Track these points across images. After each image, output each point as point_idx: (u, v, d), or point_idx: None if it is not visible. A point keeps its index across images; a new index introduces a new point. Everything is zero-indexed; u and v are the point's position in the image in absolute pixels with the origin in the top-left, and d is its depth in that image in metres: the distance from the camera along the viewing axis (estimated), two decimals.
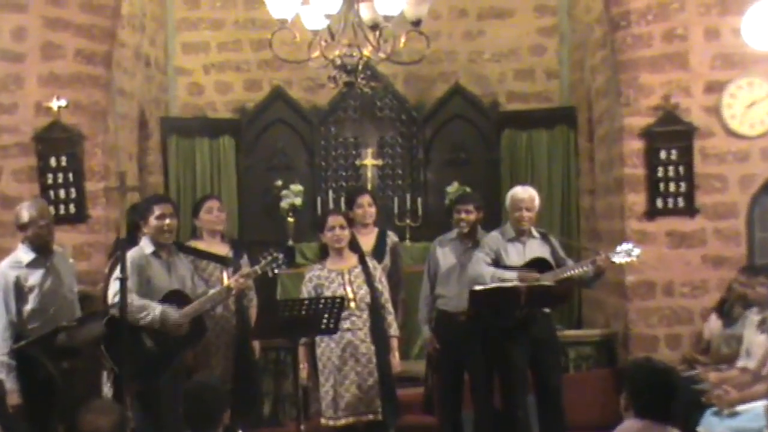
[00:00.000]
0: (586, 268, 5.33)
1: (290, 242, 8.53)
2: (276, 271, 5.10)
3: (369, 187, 8.75)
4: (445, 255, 5.74)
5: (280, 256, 5.09)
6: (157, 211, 4.86)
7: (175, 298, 4.87)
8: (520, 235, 5.50)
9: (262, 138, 9.04)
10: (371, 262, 5.30)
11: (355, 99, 8.95)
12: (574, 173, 8.58)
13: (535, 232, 5.55)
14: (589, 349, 6.79)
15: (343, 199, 8.49)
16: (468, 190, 8.52)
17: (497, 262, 5.47)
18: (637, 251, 5.36)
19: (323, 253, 5.30)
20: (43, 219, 4.92)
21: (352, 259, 5.24)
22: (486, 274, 5.38)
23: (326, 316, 4.76)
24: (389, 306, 5.27)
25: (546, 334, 5.48)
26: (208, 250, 5.33)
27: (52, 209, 5.42)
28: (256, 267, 5.07)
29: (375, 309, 5.15)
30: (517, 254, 5.46)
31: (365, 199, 5.84)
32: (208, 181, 8.82)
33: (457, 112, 9.03)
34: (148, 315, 4.68)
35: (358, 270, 5.18)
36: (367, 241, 5.75)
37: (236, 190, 8.90)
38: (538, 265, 5.37)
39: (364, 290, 5.12)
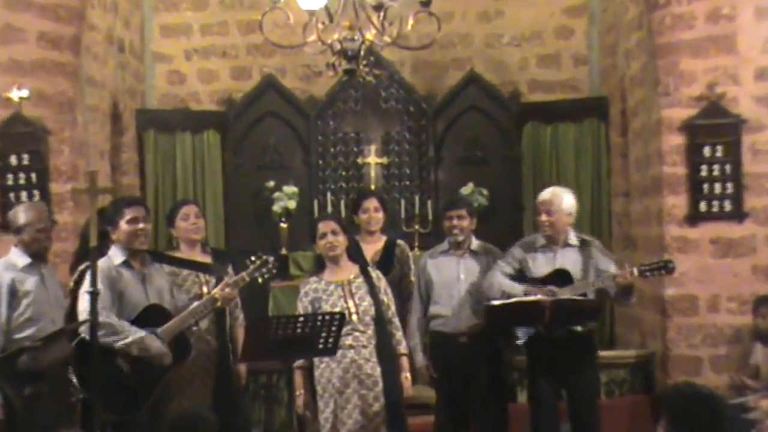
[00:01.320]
0: (607, 284, 5.25)
1: (283, 251, 8.53)
2: (266, 276, 5.06)
3: (372, 188, 8.75)
4: (437, 269, 5.67)
5: (270, 259, 5.05)
6: (128, 214, 4.83)
7: (154, 314, 4.83)
8: (552, 242, 5.46)
9: (251, 133, 9.06)
10: (374, 272, 5.29)
11: (357, 89, 8.95)
12: (606, 172, 8.58)
13: (573, 240, 5.45)
14: (623, 373, 6.79)
15: (343, 203, 8.64)
16: (484, 192, 8.60)
17: (521, 274, 5.44)
18: (672, 265, 5.28)
19: (319, 265, 5.30)
20: (40, 223, 5.07)
21: (353, 269, 5.21)
22: (494, 285, 5.37)
23: (324, 334, 4.73)
24: (397, 321, 5.25)
25: (580, 357, 5.37)
26: (191, 259, 5.30)
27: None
28: (243, 273, 5.04)
29: (381, 324, 5.13)
30: (546, 265, 5.40)
31: (372, 203, 5.83)
32: (190, 182, 8.83)
33: (472, 104, 9.04)
34: (127, 338, 4.63)
35: (360, 281, 5.17)
36: (373, 250, 5.75)
37: (222, 192, 8.91)
38: (560, 277, 5.32)
39: (367, 302, 5.10)
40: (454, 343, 5.53)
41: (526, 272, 5.43)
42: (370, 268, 5.30)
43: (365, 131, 9.12)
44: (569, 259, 5.39)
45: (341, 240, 5.14)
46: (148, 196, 8.48)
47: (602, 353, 6.94)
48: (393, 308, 5.25)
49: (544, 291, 5.22)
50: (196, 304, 4.95)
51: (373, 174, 8.93)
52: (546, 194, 5.46)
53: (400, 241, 5.96)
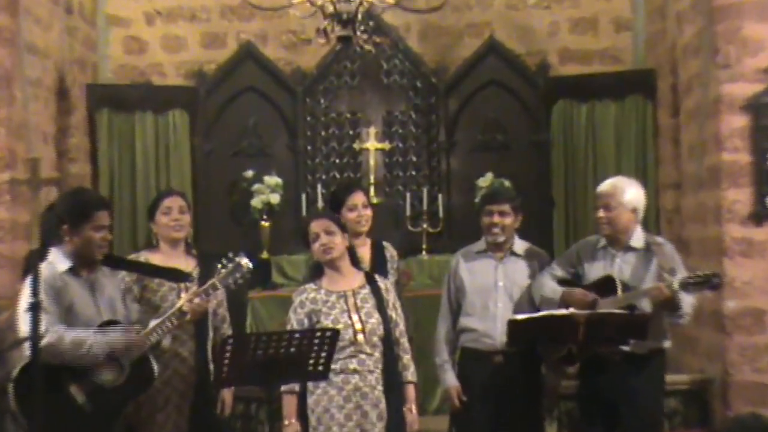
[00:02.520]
0: (639, 299, 5.20)
1: (264, 254, 8.54)
2: (239, 282, 5.05)
3: (371, 179, 8.87)
4: (471, 273, 5.69)
5: (244, 261, 5.03)
6: (96, 219, 4.85)
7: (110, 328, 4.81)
8: (612, 244, 5.42)
9: (226, 113, 9.07)
10: (383, 283, 5.26)
11: (353, 60, 8.95)
12: (652, 160, 8.57)
13: (637, 241, 5.40)
14: (674, 402, 6.75)
15: (320, 199, 8.60)
16: (506, 183, 8.57)
17: (576, 279, 5.44)
18: (717, 280, 5.12)
19: (316, 271, 5.25)
20: None
21: (357, 277, 5.20)
22: (538, 289, 5.40)
23: (314, 354, 4.70)
24: (405, 342, 5.24)
25: (637, 385, 5.30)
26: (163, 265, 5.28)
27: None
28: (214, 280, 5.03)
29: (388, 345, 5.13)
30: (603, 270, 5.38)
31: (359, 198, 5.73)
32: (152, 171, 8.83)
33: (492, 78, 9.04)
34: (91, 348, 4.62)
35: (366, 292, 5.15)
36: (361, 255, 5.64)
37: (191, 184, 8.88)
38: (607, 286, 5.29)
39: (375, 319, 5.08)
40: (488, 362, 5.52)
41: (582, 278, 5.44)
42: (377, 277, 5.28)
43: (363, 111, 9.14)
44: (629, 265, 5.37)
45: (338, 241, 5.12)
46: (101, 188, 8.49)
47: None
48: (402, 326, 5.24)
49: (582, 301, 5.22)
50: (154, 321, 4.93)
51: (372, 162, 8.94)
52: (605, 186, 5.43)
53: (386, 243, 5.90)
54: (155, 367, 4.90)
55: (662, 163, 8.42)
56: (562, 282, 5.43)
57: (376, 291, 5.17)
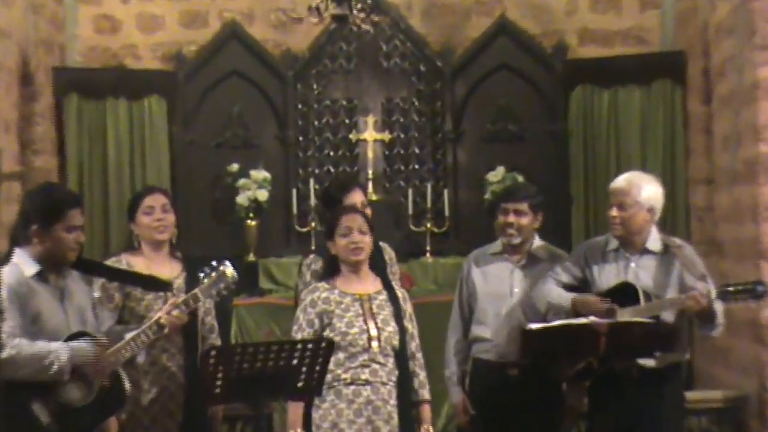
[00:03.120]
0: (666, 310, 5.19)
1: (251, 257, 8.56)
2: (224, 292, 5.06)
3: (370, 174, 8.89)
4: (485, 277, 5.72)
5: (229, 270, 5.03)
6: (70, 219, 4.80)
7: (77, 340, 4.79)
8: (626, 246, 5.40)
9: (208, 100, 9.07)
10: (399, 290, 5.33)
11: (350, 41, 8.96)
12: (682, 152, 8.58)
13: (654, 244, 5.38)
14: (706, 421, 6.81)
15: (313, 195, 8.60)
16: (519, 178, 8.56)
17: (583, 285, 5.42)
18: (762, 288, 5.08)
19: (331, 269, 5.28)
20: None
21: (375, 281, 5.27)
22: (542, 296, 5.39)
23: (305, 369, 4.68)
24: (421, 357, 5.29)
25: (656, 405, 5.30)
26: (143, 272, 5.26)
27: None
28: (196, 290, 5.04)
29: (403, 358, 5.18)
30: (616, 276, 5.37)
31: (358, 196, 5.79)
32: (126, 164, 8.81)
33: (504, 61, 9.07)
34: (53, 363, 4.58)
35: (383, 298, 5.20)
36: None
37: (169, 178, 8.88)
38: (625, 294, 5.25)
39: (391, 328, 5.13)
40: (502, 375, 5.55)
41: (591, 284, 5.43)
42: (394, 285, 5.34)
43: (360, 98, 9.16)
44: (647, 271, 5.35)
45: (368, 241, 5.18)
46: (69, 183, 8.45)
47: None
48: (418, 340, 5.29)
49: (598, 310, 5.18)
50: (130, 334, 4.93)
51: (370, 154, 8.96)
52: (619, 182, 5.41)
53: (383, 244, 5.93)
54: (127, 385, 4.89)
55: (692, 156, 8.42)
56: (568, 289, 5.42)
57: (393, 299, 5.23)
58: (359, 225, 5.17)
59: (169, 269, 5.38)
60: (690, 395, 6.91)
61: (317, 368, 4.72)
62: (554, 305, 5.35)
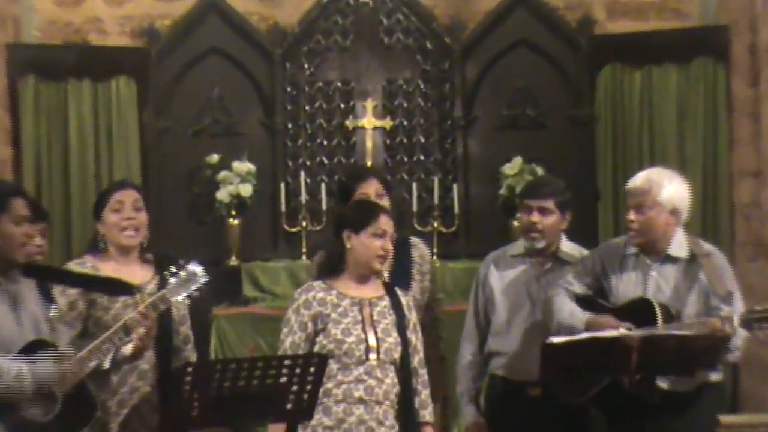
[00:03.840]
0: (688, 332, 5.11)
1: (233, 260, 8.61)
2: (195, 294, 5.05)
3: (369, 164, 8.86)
4: (504, 283, 5.75)
5: (198, 270, 5.02)
6: (13, 209, 4.79)
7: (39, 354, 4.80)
8: (647, 253, 5.37)
9: (184, 81, 9.09)
10: (404, 297, 5.32)
11: (346, 14, 8.98)
12: (725, 142, 8.56)
13: (678, 250, 5.35)
14: None
15: (324, 188, 8.75)
16: (539, 171, 8.58)
17: (598, 295, 5.40)
18: None
19: (332, 267, 5.27)
20: None
21: (377, 286, 5.28)
22: (558, 313, 5.36)
23: (295, 388, 4.68)
24: (425, 373, 5.28)
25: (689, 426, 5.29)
26: (107, 275, 5.26)
27: None
28: (164, 292, 5.02)
29: (405, 373, 5.19)
30: (636, 286, 5.35)
31: (373, 186, 5.82)
32: (90, 155, 8.82)
33: (522, 37, 9.09)
34: (14, 383, 4.58)
35: (385, 305, 5.19)
36: None
37: (139, 170, 8.91)
38: (641, 311, 5.22)
39: (393, 338, 5.13)
40: (522, 395, 5.59)
41: (607, 294, 5.41)
42: (398, 291, 5.33)
43: (358, 79, 9.17)
44: (669, 282, 5.34)
45: (390, 247, 5.21)
46: (26, 176, 8.52)
47: (720, 418, 6.91)
48: (422, 354, 5.29)
49: (614, 326, 5.18)
50: (97, 339, 4.92)
51: (369, 144, 9.02)
52: (637, 180, 5.39)
53: (415, 239, 6.01)
54: (95, 397, 4.93)
55: (737, 145, 8.41)
56: (581, 300, 5.40)
57: (396, 306, 5.23)
58: (391, 231, 5.18)
59: (140, 273, 5.37)
60: (734, 419, 7.13)
61: (308, 387, 4.73)
62: (565, 325, 5.32)
